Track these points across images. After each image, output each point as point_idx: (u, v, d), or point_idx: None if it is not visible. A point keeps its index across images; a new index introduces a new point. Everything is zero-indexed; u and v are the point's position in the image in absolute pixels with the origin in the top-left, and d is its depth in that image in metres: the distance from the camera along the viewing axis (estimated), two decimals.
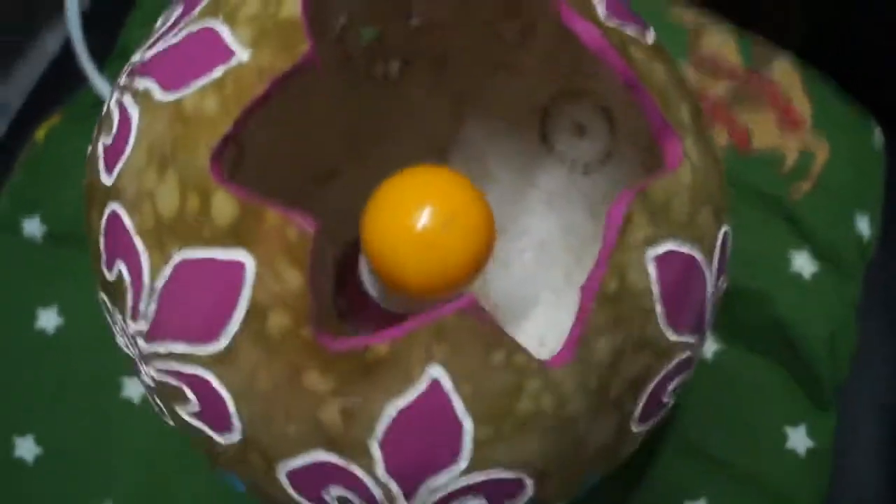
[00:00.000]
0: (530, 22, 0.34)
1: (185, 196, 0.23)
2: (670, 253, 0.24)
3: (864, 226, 0.43)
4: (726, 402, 0.40)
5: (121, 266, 0.24)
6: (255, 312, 0.22)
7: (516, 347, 0.22)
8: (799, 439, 0.40)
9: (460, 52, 0.36)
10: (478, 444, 0.23)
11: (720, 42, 0.45)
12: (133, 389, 0.42)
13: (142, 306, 0.24)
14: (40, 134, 0.48)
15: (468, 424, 0.23)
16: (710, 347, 0.41)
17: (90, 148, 0.28)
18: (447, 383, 0.22)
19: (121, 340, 0.26)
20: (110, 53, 0.49)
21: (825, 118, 0.44)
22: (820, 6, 0.46)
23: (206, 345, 0.23)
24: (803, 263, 0.41)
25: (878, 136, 0.46)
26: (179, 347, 0.23)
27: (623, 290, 0.23)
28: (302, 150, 0.36)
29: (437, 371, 0.22)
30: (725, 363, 0.41)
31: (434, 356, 0.22)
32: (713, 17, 0.46)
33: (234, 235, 0.22)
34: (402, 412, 0.22)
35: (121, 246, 0.24)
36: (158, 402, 0.26)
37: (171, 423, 0.26)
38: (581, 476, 0.26)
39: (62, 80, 0.51)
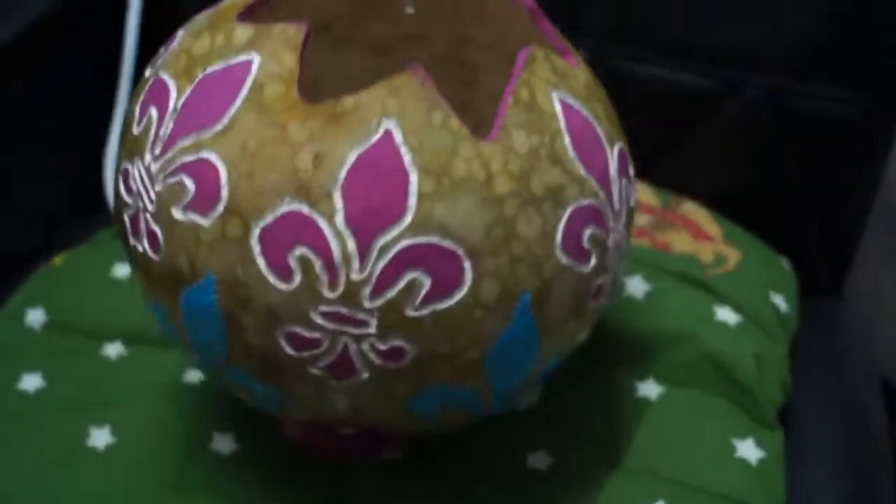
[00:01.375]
0: None
1: (213, 38, 0.31)
2: (571, 107, 0.32)
3: (780, 301, 0.48)
4: (673, 433, 0.41)
5: (151, 109, 0.31)
6: (255, 88, 0.29)
7: (451, 112, 0.29)
8: (748, 450, 0.40)
9: None
10: (421, 197, 0.28)
11: (640, 192, 0.55)
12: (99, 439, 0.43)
13: (162, 131, 0.30)
14: (58, 260, 0.55)
15: (414, 177, 0.28)
16: (653, 390, 0.43)
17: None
18: (398, 135, 0.28)
19: (128, 202, 0.32)
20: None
21: (734, 237, 0.53)
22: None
23: (212, 127, 0.29)
24: (727, 316, 0.46)
25: (784, 261, 0.54)
26: (188, 140, 0.29)
27: (533, 104, 0.30)
28: None
29: (390, 123, 0.28)
30: (668, 401, 0.43)
31: (388, 111, 0.28)
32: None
33: (248, 45, 0.30)
34: (360, 158, 0.28)
35: (154, 93, 0.32)
36: (155, 225, 0.30)
37: (161, 247, 0.30)
38: (512, 280, 0.29)
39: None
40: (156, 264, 0.31)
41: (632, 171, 0.36)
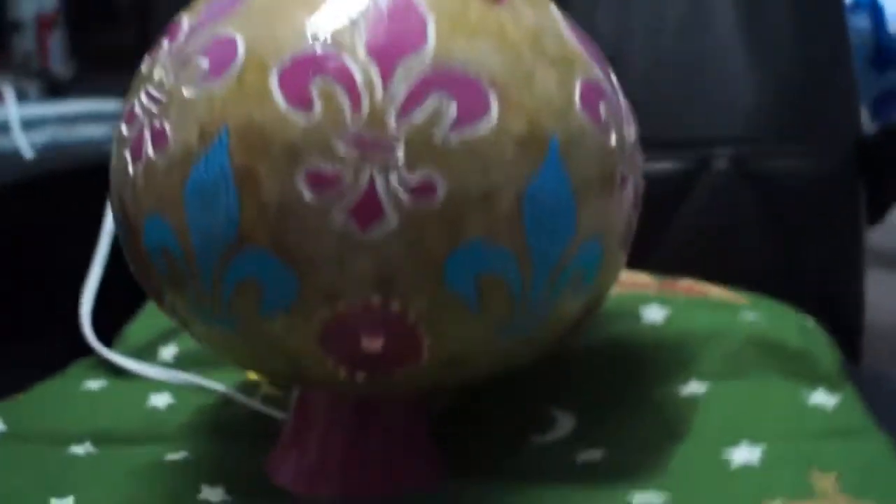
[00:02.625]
0: None
1: None
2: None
3: (809, 323, 0.45)
4: (736, 410, 0.36)
5: (163, 41, 0.32)
6: None
7: None
8: (821, 398, 0.34)
9: None
10: (439, 34, 0.28)
11: (633, 275, 0.54)
12: None
13: (174, 48, 0.31)
14: (20, 396, 0.50)
15: (430, 19, 0.28)
16: (699, 388, 0.39)
17: None
18: None
19: (132, 136, 0.31)
20: (113, 344, 0.54)
21: (738, 292, 0.51)
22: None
23: (224, 15, 0.29)
24: (755, 316, 0.42)
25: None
26: (205, 31, 0.29)
27: None
28: None
29: None
30: (720, 392, 0.38)
31: None
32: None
33: None
34: (375, 5, 0.28)
35: (166, 33, 0.32)
36: (163, 118, 0.28)
37: (159, 152, 0.28)
38: (539, 119, 0.27)
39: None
40: (159, 162, 0.29)
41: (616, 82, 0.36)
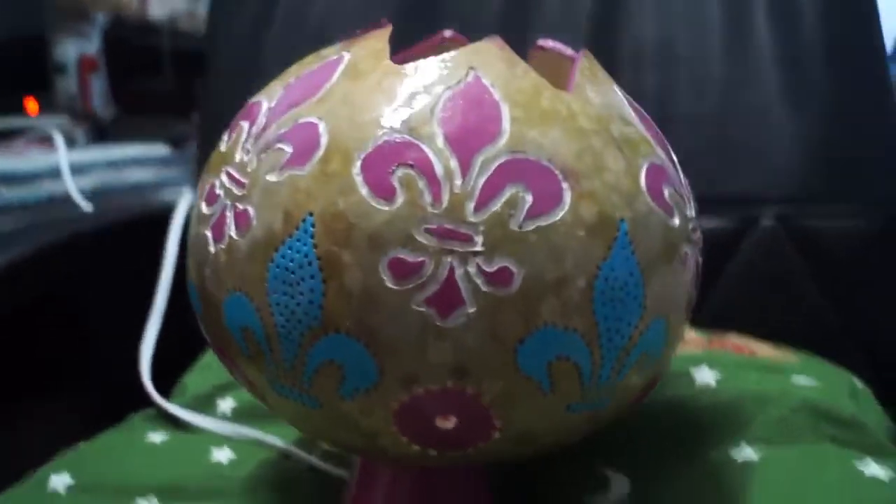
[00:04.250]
0: None
1: (302, 60, 0.34)
2: (623, 94, 0.34)
3: (857, 383, 0.46)
4: (792, 480, 0.36)
5: (242, 124, 0.33)
6: (349, 66, 0.31)
7: (529, 68, 0.31)
8: (875, 470, 0.35)
9: None
10: (513, 121, 0.29)
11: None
12: None
13: (254, 129, 0.32)
14: (83, 443, 0.51)
15: (505, 106, 0.29)
16: (751, 454, 0.39)
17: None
18: (485, 79, 0.30)
19: (212, 214, 0.32)
20: (171, 394, 0.56)
21: (787, 350, 0.51)
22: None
23: (308, 101, 0.31)
24: (805, 381, 0.43)
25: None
26: (286, 116, 0.31)
27: (595, 76, 0.32)
28: None
29: (477, 70, 0.30)
30: (772, 459, 0.39)
31: (474, 63, 0.30)
32: None
33: (340, 49, 0.33)
34: (454, 93, 0.29)
35: (245, 113, 0.34)
36: (246, 201, 0.30)
37: (242, 235, 0.29)
38: (608, 205, 0.29)
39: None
40: (242, 244, 0.31)
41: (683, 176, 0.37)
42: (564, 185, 0.30)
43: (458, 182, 0.29)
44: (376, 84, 0.31)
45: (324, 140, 0.30)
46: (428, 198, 0.29)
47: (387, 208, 0.29)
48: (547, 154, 0.30)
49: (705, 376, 0.46)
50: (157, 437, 0.50)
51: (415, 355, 0.29)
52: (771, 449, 0.40)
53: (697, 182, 0.59)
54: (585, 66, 0.34)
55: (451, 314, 0.29)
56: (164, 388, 0.59)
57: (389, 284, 0.29)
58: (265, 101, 0.34)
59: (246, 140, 0.33)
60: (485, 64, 0.32)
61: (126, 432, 0.51)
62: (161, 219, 0.67)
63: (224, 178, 0.33)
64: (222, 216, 0.33)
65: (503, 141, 0.30)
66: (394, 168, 0.29)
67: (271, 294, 0.30)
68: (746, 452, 0.40)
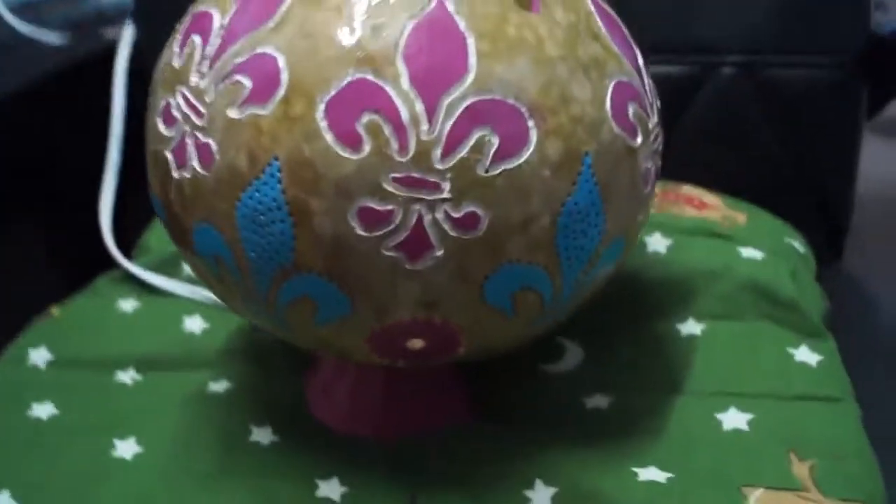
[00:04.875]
0: None
1: None
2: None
3: (797, 244, 0.49)
4: (729, 356, 0.41)
5: (193, 38, 0.32)
6: None
7: None
8: (805, 355, 0.39)
9: None
10: (480, 56, 0.28)
11: None
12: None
13: (208, 49, 0.31)
14: (55, 311, 0.52)
15: (471, 39, 0.29)
16: (696, 328, 0.43)
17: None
18: (449, 4, 0.29)
19: (172, 136, 0.31)
20: (134, 255, 0.57)
21: (737, 205, 0.54)
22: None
23: (263, 26, 0.29)
24: (752, 253, 0.46)
25: (789, 226, 0.55)
26: (241, 41, 0.30)
27: None
28: None
29: None
30: (714, 333, 0.42)
31: None
32: None
33: None
34: (417, 25, 0.28)
35: (195, 24, 0.32)
36: (203, 137, 0.29)
37: (206, 169, 0.29)
38: (573, 139, 0.29)
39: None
40: (208, 179, 0.31)
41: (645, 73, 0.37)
42: (530, 124, 0.29)
43: (424, 128, 0.28)
44: (336, 9, 0.29)
45: (284, 77, 0.29)
46: (395, 146, 0.28)
47: (353, 157, 0.28)
48: (514, 92, 0.29)
49: (657, 243, 0.48)
50: (127, 304, 0.51)
51: (385, 293, 0.30)
52: (714, 323, 0.43)
53: (661, 28, 0.58)
54: None
55: (420, 258, 0.29)
56: (127, 243, 0.60)
57: (359, 232, 0.29)
58: (216, 13, 0.32)
59: (200, 62, 0.31)
60: None
61: (96, 299, 0.52)
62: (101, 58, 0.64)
63: (180, 100, 0.32)
64: (182, 143, 0.32)
65: (469, 79, 0.29)
66: (359, 114, 0.28)
67: (241, 231, 0.30)
68: (691, 326, 0.44)
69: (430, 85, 0.28)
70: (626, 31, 0.35)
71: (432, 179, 0.29)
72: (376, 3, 0.29)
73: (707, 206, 0.54)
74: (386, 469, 0.37)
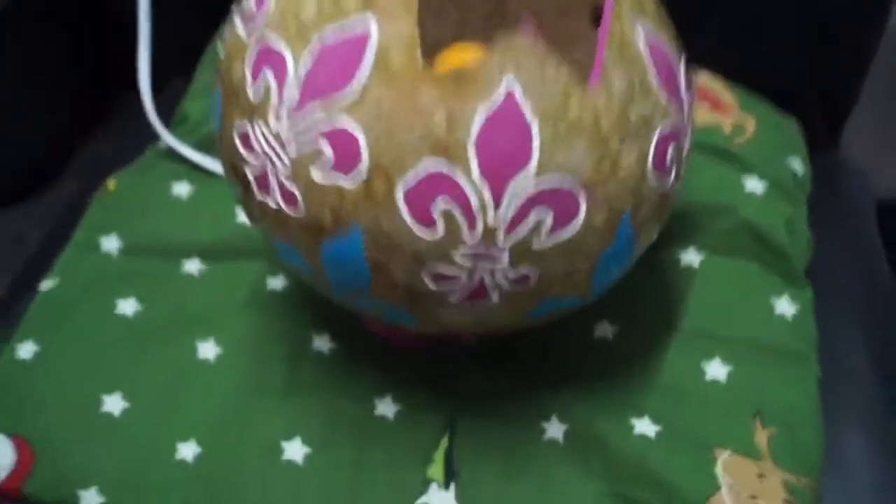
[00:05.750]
0: None
1: (322, 1, 0.33)
2: (651, 36, 0.35)
3: (797, 164, 0.54)
4: (719, 295, 0.48)
5: (266, 75, 0.34)
6: (381, 54, 0.31)
7: (561, 62, 0.32)
8: (784, 306, 0.47)
9: None
10: (543, 142, 0.32)
11: None
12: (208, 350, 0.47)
13: (287, 92, 0.33)
14: (111, 184, 0.57)
15: (535, 126, 0.32)
16: (695, 258, 0.50)
17: (225, 29, 0.37)
18: (518, 91, 0.31)
19: (252, 164, 0.34)
20: (170, 126, 0.60)
21: (748, 105, 0.57)
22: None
23: (342, 95, 0.32)
24: (754, 185, 0.51)
25: (793, 123, 0.59)
26: (319, 108, 0.32)
27: (624, 41, 0.33)
28: None
29: (510, 79, 0.31)
30: (711, 267, 0.49)
31: (507, 68, 0.31)
32: None
33: (361, 7, 0.32)
34: (490, 115, 0.31)
35: (266, 59, 0.34)
36: (291, 186, 0.33)
37: (302, 207, 0.33)
38: (617, 202, 0.33)
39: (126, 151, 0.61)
40: (293, 218, 0.35)
41: (686, 75, 0.39)
42: (581, 199, 0.33)
43: (490, 214, 0.32)
44: (410, 94, 0.31)
45: (365, 155, 0.32)
46: (465, 228, 0.32)
47: (429, 238, 0.32)
48: (570, 175, 0.32)
49: None
50: (181, 188, 0.55)
51: (446, 319, 0.36)
52: (712, 257, 0.49)
53: None
54: (614, 22, 0.33)
55: (478, 303, 0.35)
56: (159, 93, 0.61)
57: (430, 286, 0.34)
58: (289, 56, 0.33)
59: (279, 106, 0.33)
60: (518, 68, 0.31)
61: (149, 175, 0.56)
62: None
63: (260, 136, 0.34)
64: (265, 175, 0.35)
65: (533, 166, 0.32)
66: (434, 200, 0.32)
67: (324, 262, 0.35)
68: (691, 255, 0.50)
69: (498, 174, 0.32)
70: (671, 53, 0.36)
71: (495, 254, 0.33)
72: (449, 86, 0.31)
73: (721, 106, 0.57)
74: (431, 392, 0.45)
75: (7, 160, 1.04)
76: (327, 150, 0.33)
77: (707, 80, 0.59)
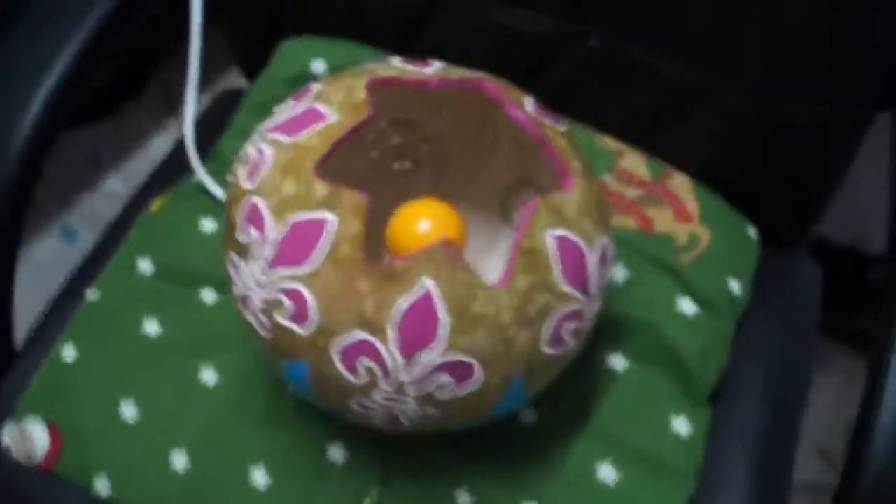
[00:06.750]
0: (497, 133, 0.54)
1: (298, 186, 0.41)
2: (563, 236, 0.42)
3: (735, 287, 0.61)
4: (629, 402, 0.56)
5: (252, 231, 0.43)
6: (333, 246, 0.40)
7: (472, 271, 0.40)
8: (681, 425, 0.55)
9: (454, 155, 0.56)
10: (449, 330, 0.41)
11: (635, 162, 0.65)
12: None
13: (264, 251, 0.42)
14: (155, 205, 0.67)
15: (444, 316, 0.40)
16: (620, 363, 0.58)
17: (230, 175, 0.46)
18: (433, 289, 0.40)
19: (239, 283, 0.44)
20: (206, 158, 0.69)
21: (709, 215, 0.64)
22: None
23: (302, 267, 0.41)
24: (687, 307, 0.59)
25: (751, 231, 0.65)
26: (285, 272, 0.42)
27: (533, 248, 0.41)
28: None
29: (428, 281, 0.40)
30: (630, 375, 0.57)
31: (427, 271, 0.40)
32: (630, 146, 0.66)
33: (325, 204, 0.41)
34: (408, 306, 0.40)
35: (254, 219, 0.43)
36: (263, 317, 0.43)
37: (268, 333, 0.43)
38: (510, 371, 0.42)
39: (173, 172, 0.71)
40: (264, 338, 0.44)
41: (611, 253, 0.46)
42: (478, 369, 0.42)
43: (402, 373, 0.41)
44: (350, 281, 0.40)
45: (313, 316, 0.41)
46: (382, 380, 0.42)
47: (354, 381, 0.42)
48: (470, 353, 0.41)
49: (618, 273, 0.59)
50: (208, 223, 0.64)
51: (374, 425, 0.46)
52: (634, 365, 0.57)
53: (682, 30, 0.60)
54: (525, 238, 0.41)
55: (396, 423, 0.44)
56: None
57: (355, 408, 0.44)
58: (270, 221, 0.42)
59: (258, 258, 0.43)
60: (436, 272, 0.40)
61: (185, 205, 0.65)
62: None
63: (243, 270, 0.44)
64: (247, 300, 0.45)
65: (439, 347, 0.41)
66: (360, 358, 0.41)
67: (284, 372, 0.45)
68: (617, 361, 0.57)
69: (410, 348, 0.41)
70: (584, 246, 0.44)
71: (406, 400, 0.43)
72: (380, 281, 0.40)
73: (684, 215, 0.63)
74: (374, 447, 0.55)
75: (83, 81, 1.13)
76: (287, 304, 0.42)
77: (678, 184, 0.65)
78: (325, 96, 0.45)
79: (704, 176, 0.67)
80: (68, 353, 0.60)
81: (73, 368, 0.60)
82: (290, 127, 0.44)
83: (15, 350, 0.65)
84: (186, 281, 0.63)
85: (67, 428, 0.57)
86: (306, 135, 0.43)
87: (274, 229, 0.42)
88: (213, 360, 0.60)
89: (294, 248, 0.42)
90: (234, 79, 0.90)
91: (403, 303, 0.41)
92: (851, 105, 0.62)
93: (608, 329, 0.59)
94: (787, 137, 0.64)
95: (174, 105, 1.39)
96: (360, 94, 0.44)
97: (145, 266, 0.64)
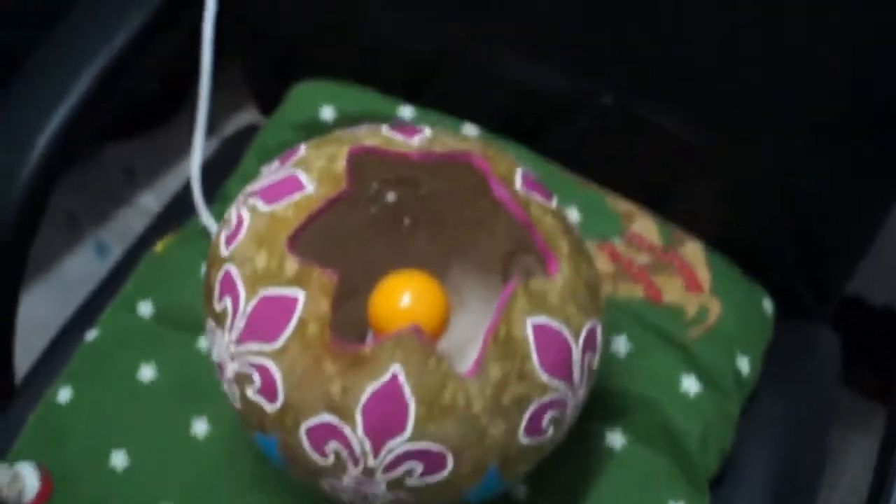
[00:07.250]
0: (494, 201, 0.52)
1: (270, 259, 0.41)
2: (543, 324, 0.41)
3: (744, 364, 0.58)
4: (626, 483, 0.54)
5: (227, 300, 0.42)
6: (301, 324, 0.39)
7: (443, 359, 0.39)
8: None
9: (452, 216, 0.54)
10: (418, 419, 0.39)
11: (646, 226, 0.63)
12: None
13: (236, 323, 0.41)
14: (160, 246, 0.67)
15: (412, 405, 0.39)
16: (618, 441, 0.56)
17: (214, 236, 0.46)
18: (401, 376, 0.39)
19: (216, 351, 0.43)
20: (214, 200, 0.69)
21: (721, 286, 0.61)
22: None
23: (270, 344, 0.40)
24: (690, 385, 0.56)
25: (766, 303, 0.62)
26: (254, 346, 0.41)
27: (509, 336, 0.40)
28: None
29: (396, 367, 0.38)
30: (628, 454, 0.55)
31: (395, 357, 0.38)
32: (641, 208, 0.64)
33: (295, 281, 0.40)
34: (375, 392, 0.39)
35: (228, 288, 0.42)
36: (235, 387, 0.42)
37: (239, 405, 0.42)
38: (483, 460, 0.41)
39: (180, 212, 0.71)
40: (237, 408, 0.44)
41: (599, 338, 0.45)
42: (449, 458, 0.40)
43: (370, 459, 0.40)
44: (317, 362, 0.39)
45: (280, 394, 0.40)
46: (350, 465, 0.41)
47: (322, 463, 0.41)
48: (439, 442, 0.40)
49: (620, 345, 0.57)
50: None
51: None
52: (633, 444, 0.55)
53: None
54: (502, 324, 0.40)
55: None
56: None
57: (326, 489, 0.43)
58: (242, 293, 0.41)
59: (231, 327, 0.42)
60: (404, 358, 0.38)
61: (187, 249, 0.65)
62: None
63: (218, 336, 0.43)
64: (222, 365, 0.44)
65: (407, 435, 0.39)
66: (328, 441, 0.40)
67: (258, 442, 0.44)
68: (615, 439, 0.55)
69: (378, 435, 0.40)
70: (567, 332, 0.42)
71: (375, 484, 0.41)
72: (347, 365, 0.38)
73: (694, 286, 0.61)
74: None
75: (123, 98, 1.15)
76: (256, 378, 0.41)
77: (690, 251, 0.62)
78: (306, 163, 0.44)
79: (719, 240, 0.65)
80: (64, 394, 0.60)
81: (67, 410, 0.60)
82: (269, 194, 0.44)
83: (14, 387, 0.66)
84: (185, 326, 0.63)
85: (58, 473, 0.57)
86: (283, 205, 0.43)
87: (245, 301, 0.42)
88: (205, 411, 0.59)
89: (263, 323, 0.41)
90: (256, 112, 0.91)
91: (370, 389, 0.39)
92: (875, 175, 0.59)
93: (608, 403, 0.57)
94: (806, 205, 0.61)
95: (211, 124, 1.42)
96: (341, 163, 0.43)
97: (145, 308, 0.64)
